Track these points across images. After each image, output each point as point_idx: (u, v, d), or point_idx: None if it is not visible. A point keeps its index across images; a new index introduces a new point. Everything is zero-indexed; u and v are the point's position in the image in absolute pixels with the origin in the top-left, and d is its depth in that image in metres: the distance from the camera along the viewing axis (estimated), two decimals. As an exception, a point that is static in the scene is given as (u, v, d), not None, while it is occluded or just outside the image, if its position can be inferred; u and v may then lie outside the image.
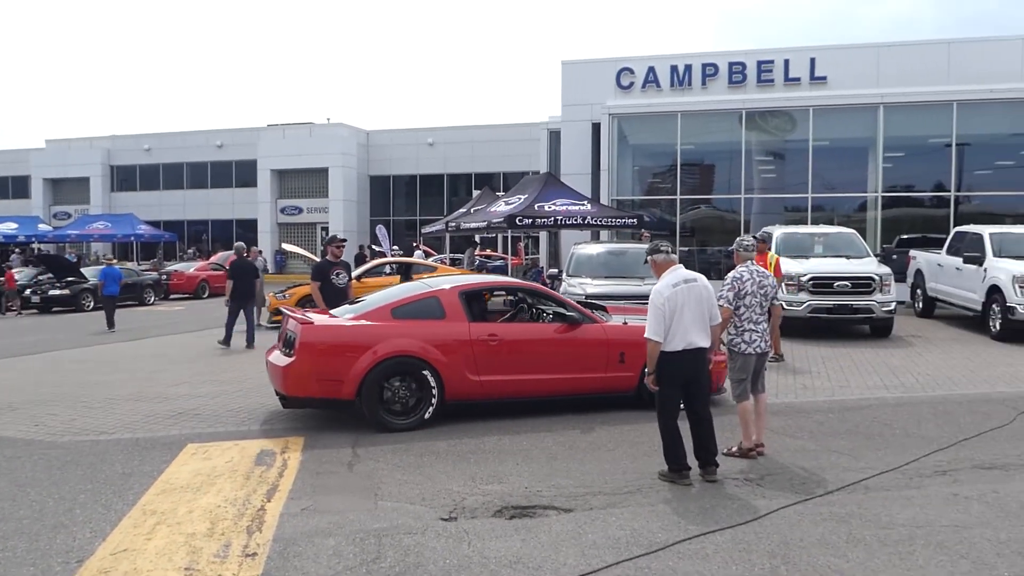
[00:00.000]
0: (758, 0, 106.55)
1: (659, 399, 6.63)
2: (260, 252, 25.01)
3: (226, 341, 14.77)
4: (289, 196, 41.39)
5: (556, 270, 19.91)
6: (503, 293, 10.62)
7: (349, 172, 40.28)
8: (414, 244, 31.86)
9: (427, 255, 27.11)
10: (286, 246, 24.33)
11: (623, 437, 7.97)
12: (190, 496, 6.29)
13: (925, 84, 22.56)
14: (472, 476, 6.77)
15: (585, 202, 19.65)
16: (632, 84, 24.92)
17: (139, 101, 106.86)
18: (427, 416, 8.41)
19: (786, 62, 23.89)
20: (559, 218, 18.57)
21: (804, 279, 14.64)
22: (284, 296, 17.99)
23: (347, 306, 9.53)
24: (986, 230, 16.29)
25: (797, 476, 6.69)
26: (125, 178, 46.92)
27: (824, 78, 23.59)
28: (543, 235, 28.47)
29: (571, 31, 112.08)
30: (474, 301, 9.38)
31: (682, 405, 6.70)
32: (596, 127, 25.01)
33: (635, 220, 19.59)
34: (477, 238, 27.40)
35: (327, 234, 39.83)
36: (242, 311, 15.13)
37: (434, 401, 8.44)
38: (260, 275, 17.84)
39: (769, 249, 12.83)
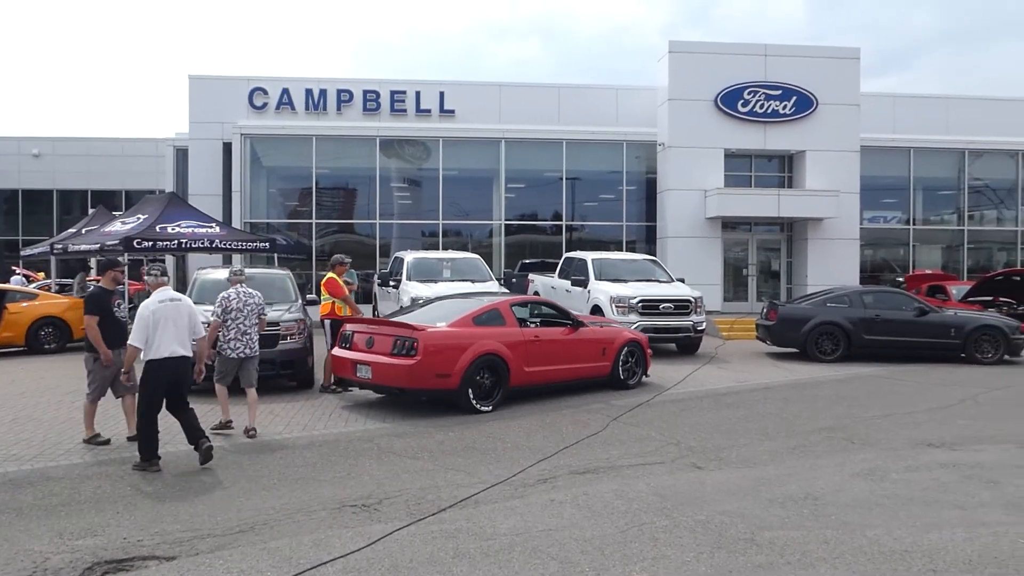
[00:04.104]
0: (395, 30, 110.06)
1: (141, 399, 7.69)
2: None
3: None
4: None
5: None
6: (527, 305, 12.78)
7: (-71, 184, 34.39)
8: (13, 268, 28.04)
9: (29, 280, 23.97)
10: None
11: (242, 473, 7.59)
12: None
13: (540, 123, 24.97)
14: (61, 532, 5.99)
15: (214, 224, 18.67)
16: (266, 105, 24.37)
17: None
18: (498, 400, 10.59)
19: (417, 94, 24.93)
20: (184, 241, 17.40)
21: (432, 302, 15.20)
22: None
23: (415, 314, 11.49)
24: (589, 256, 18.26)
25: (414, 497, 6.82)
26: None
27: (453, 111, 24.98)
28: (169, 259, 26.59)
29: (202, 43, 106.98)
30: (518, 311, 11.69)
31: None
32: (228, 147, 24.02)
33: (268, 244, 19.05)
34: (91, 262, 24.81)
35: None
36: None
37: (503, 389, 10.68)
38: None
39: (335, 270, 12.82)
